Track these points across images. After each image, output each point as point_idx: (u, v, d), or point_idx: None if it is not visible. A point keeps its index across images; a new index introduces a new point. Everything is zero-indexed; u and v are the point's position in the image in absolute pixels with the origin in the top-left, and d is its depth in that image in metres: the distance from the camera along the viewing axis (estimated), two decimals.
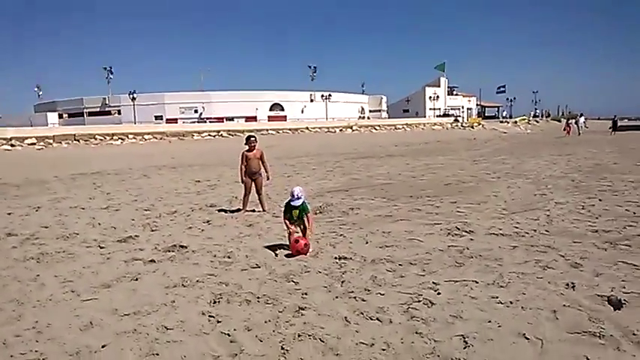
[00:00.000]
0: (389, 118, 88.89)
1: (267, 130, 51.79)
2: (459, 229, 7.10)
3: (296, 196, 6.06)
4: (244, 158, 8.90)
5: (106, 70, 71.98)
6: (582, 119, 44.90)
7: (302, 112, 78.75)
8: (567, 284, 4.62)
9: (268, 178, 9.02)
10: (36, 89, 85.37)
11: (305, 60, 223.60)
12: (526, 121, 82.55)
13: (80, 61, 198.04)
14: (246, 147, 8.89)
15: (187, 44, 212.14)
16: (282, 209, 6.48)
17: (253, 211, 9.01)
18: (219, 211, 9.33)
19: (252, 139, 8.93)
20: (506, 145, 30.26)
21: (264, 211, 8.95)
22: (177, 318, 4.14)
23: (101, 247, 6.69)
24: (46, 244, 6.98)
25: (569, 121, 46.24)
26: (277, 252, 6.11)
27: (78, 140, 38.02)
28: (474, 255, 5.74)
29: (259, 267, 5.55)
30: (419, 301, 4.34)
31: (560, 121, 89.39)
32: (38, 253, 6.40)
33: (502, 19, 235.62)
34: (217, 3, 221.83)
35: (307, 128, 56.19)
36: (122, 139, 40.53)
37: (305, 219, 6.18)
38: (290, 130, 54.03)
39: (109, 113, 73.15)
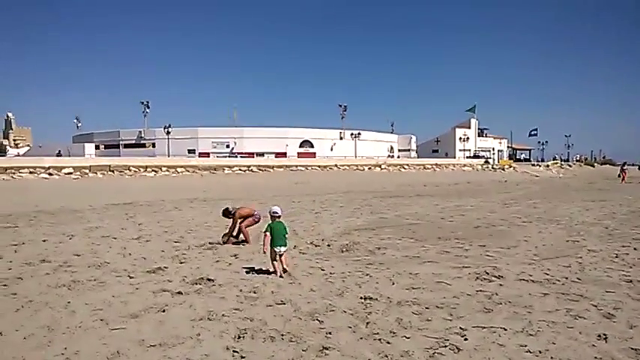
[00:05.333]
0: (418, 157, 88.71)
1: (297, 166, 52.37)
2: (488, 273, 6.98)
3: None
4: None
5: (143, 104, 74.68)
6: None
7: (331, 149, 79.44)
8: (599, 335, 4.48)
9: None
10: (75, 120, 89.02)
11: (336, 97, 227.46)
12: (558, 165, 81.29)
13: (118, 94, 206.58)
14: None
15: (222, 78, 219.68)
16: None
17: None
18: None
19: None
20: (538, 189, 29.74)
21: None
22: (202, 352, 4.17)
23: (131, 277, 6.82)
24: (78, 271, 7.15)
25: (625, 167, 43.94)
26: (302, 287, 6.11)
27: (113, 171, 39.12)
28: (503, 301, 5.63)
29: (284, 303, 5.55)
30: (445, 347, 4.27)
31: (593, 166, 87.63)
32: (70, 281, 6.56)
33: (535, 62, 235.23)
34: (252, 44, 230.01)
35: (336, 165, 56.54)
36: (156, 171, 41.51)
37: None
38: (319, 166, 54.43)
39: (143, 146, 75.24)
